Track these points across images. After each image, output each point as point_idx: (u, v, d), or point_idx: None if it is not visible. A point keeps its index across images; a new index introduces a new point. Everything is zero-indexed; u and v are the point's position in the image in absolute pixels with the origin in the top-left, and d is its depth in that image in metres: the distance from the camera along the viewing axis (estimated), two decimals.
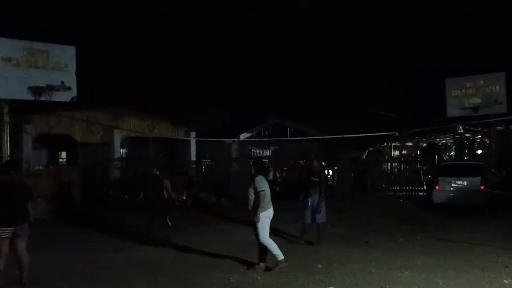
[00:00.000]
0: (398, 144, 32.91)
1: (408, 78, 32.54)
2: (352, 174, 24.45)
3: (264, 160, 22.46)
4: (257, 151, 32.73)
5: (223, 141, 27.87)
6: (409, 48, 34.50)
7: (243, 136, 32.79)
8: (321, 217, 11.70)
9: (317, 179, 11.91)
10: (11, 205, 7.80)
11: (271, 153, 31.85)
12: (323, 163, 26.56)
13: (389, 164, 28.06)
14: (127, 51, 26.87)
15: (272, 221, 9.26)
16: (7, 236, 7.76)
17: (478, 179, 17.69)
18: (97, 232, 13.74)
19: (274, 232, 10.50)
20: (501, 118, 22.65)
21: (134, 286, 8.37)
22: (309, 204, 11.74)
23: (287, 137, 30.34)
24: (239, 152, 30.85)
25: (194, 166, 24.92)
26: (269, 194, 9.19)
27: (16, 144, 17.87)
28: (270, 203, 9.18)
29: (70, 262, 9.91)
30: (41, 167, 21.33)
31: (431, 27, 33.82)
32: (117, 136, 22.69)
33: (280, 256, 9.07)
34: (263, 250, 9.20)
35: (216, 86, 30.42)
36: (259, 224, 8.97)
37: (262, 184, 9.07)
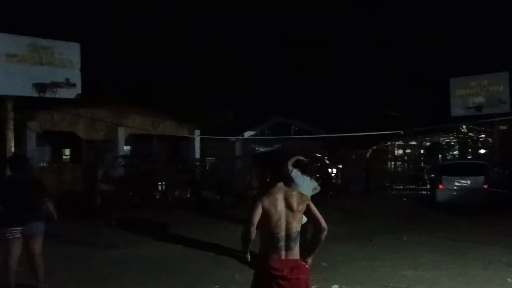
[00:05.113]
0: (402, 143, 32.96)
1: (412, 77, 32.56)
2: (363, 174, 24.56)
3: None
4: (261, 149, 32.76)
5: (227, 139, 27.87)
6: (414, 47, 34.49)
7: (247, 134, 32.83)
8: None
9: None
10: (18, 203, 7.25)
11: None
12: (327, 162, 26.84)
13: (393, 162, 28.07)
14: (132, 49, 26.88)
15: None
16: (17, 236, 7.25)
17: (481, 178, 17.77)
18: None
19: None
20: (504, 118, 22.65)
21: (138, 283, 8.37)
22: None
23: (290, 135, 30.36)
24: (243, 150, 30.88)
25: (198, 163, 24.89)
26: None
27: (20, 140, 17.81)
28: None
29: (75, 259, 9.91)
30: (44, 164, 21.32)
31: (437, 26, 33.79)
32: (122, 133, 22.66)
33: None
34: None
35: (220, 84, 30.44)
36: None
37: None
